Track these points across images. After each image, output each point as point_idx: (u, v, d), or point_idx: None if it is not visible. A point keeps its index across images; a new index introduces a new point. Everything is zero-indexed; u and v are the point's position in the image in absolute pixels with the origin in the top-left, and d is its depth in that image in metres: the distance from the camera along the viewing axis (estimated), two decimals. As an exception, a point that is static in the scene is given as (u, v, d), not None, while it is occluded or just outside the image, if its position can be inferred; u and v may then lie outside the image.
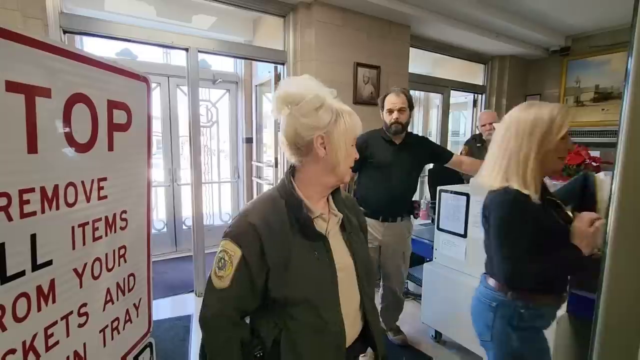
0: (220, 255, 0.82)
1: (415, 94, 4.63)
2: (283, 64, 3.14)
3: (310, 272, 0.83)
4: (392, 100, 1.92)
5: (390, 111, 1.92)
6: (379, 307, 2.06)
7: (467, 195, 2.08)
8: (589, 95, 4.22)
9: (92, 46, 3.39)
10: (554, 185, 1.91)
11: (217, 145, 4.22)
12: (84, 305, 0.81)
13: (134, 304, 0.99)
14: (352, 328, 0.90)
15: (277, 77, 3.29)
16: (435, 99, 4.57)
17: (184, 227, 3.99)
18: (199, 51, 2.78)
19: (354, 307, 0.91)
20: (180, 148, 3.89)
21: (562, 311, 1.68)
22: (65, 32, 2.27)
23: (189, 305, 2.85)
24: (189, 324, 2.52)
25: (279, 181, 0.91)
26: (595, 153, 2.13)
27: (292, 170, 0.89)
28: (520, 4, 3.34)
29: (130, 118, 0.92)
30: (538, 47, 4.31)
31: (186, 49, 2.73)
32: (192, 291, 3.00)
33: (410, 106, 1.95)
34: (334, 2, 2.95)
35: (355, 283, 0.91)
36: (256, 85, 3.95)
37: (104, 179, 0.84)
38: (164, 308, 2.78)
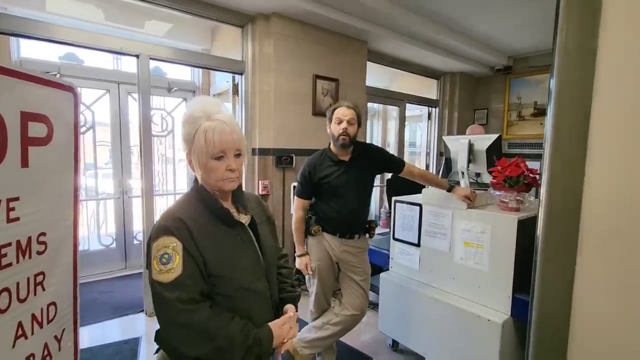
0: (161, 253, 0.83)
1: (373, 106, 4.77)
2: (241, 74, 3.10)
3: (236, 253, 0.92)
4: (343, 111, 1.88)
5: (340, 121, 1.87)
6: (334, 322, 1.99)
7: (420, 206, 2.15)
8: (529, 110, 4.59)
9: (32, 49, 3.13)
10: (496, 195, 2.02)
11: (173, 155, 4.05)
12: (-13, 342, 0.72)
13: (55, 337, 0.89)
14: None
15: (235, 87, 3.23)
16: (393, 111, 4.74)
17: (135, 241, 3.74)
18: (150, 58, 2.66)
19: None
20: (136, 157, 3.68)
21: (506, 315, 1.77)
22: (-6, 33, 2.08)
23: (139, 326, 2.65)
24: (136, 347, 2.35)
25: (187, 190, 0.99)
26: (535, 163, 2.28)
27: (196, 179, 0.98)
28: (467, 26, 3.58)
29: (51, 131, 0.84)
30: (484, 66, 4.64)
31: (137, 56, 2.61)
32: (142, 311, 2.80)
33: (359, 122, 1.92)
34: (293, 15, 2.97)
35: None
36: (214, 95, 3.85)
37: (16, 199, 0.75)
38: (110, 331, 2.57)
